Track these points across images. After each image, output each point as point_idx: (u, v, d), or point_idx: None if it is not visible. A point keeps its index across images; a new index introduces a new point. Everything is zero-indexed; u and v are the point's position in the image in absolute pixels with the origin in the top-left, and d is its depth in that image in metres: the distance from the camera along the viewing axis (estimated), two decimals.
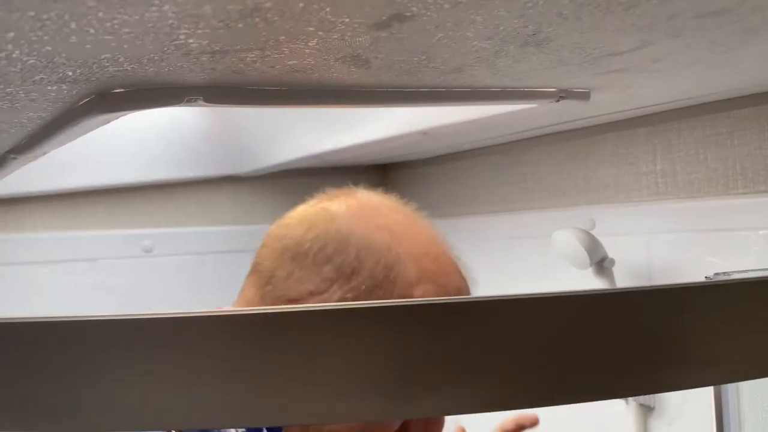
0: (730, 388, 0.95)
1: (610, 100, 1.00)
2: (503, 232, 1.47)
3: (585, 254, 1.14)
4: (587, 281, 1.20)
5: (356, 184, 0.70)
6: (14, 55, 0.47)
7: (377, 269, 0.63)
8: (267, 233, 0.68)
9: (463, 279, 0.68)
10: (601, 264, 1.17)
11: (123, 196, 1.48)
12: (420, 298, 0.63)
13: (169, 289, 1.51)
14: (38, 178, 1.34)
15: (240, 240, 1.40)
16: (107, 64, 0.51)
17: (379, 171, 1.76)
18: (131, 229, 1.49)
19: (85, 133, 0.66)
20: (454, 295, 0.65)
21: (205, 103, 0.58)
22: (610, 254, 1.17)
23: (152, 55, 0.50)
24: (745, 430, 0.93)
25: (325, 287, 0.63)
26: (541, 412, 1.62)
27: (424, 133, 1.09)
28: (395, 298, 0.63)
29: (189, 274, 1.52)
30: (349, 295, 0.62)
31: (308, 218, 0.66)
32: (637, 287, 0.27)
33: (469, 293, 0.69)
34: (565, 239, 1.15)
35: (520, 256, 1.43)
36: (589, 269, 1.17)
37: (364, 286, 0.63)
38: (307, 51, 0.53)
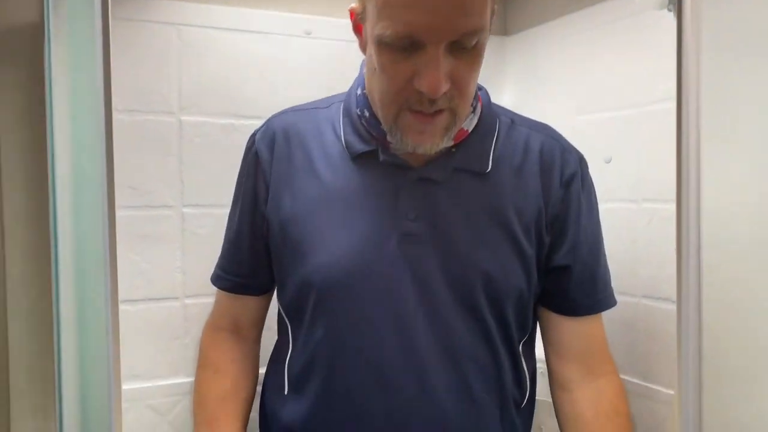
0: None
1: None
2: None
3: None
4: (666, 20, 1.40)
5: None
6: None
7: None
8: None
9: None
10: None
11: None
12: None
13: (322, 66, 1.87)
14: None
15: None
16: None
17: None
18: (295, 14, 1.86)
19: None
20: None
21: None
22: None
23: None
24: None
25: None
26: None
27: None
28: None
29: (339, 56, 1.87)
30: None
31: None
32: None
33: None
34: None
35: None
36: (667, 10, 1.37)
37: None
38: None
